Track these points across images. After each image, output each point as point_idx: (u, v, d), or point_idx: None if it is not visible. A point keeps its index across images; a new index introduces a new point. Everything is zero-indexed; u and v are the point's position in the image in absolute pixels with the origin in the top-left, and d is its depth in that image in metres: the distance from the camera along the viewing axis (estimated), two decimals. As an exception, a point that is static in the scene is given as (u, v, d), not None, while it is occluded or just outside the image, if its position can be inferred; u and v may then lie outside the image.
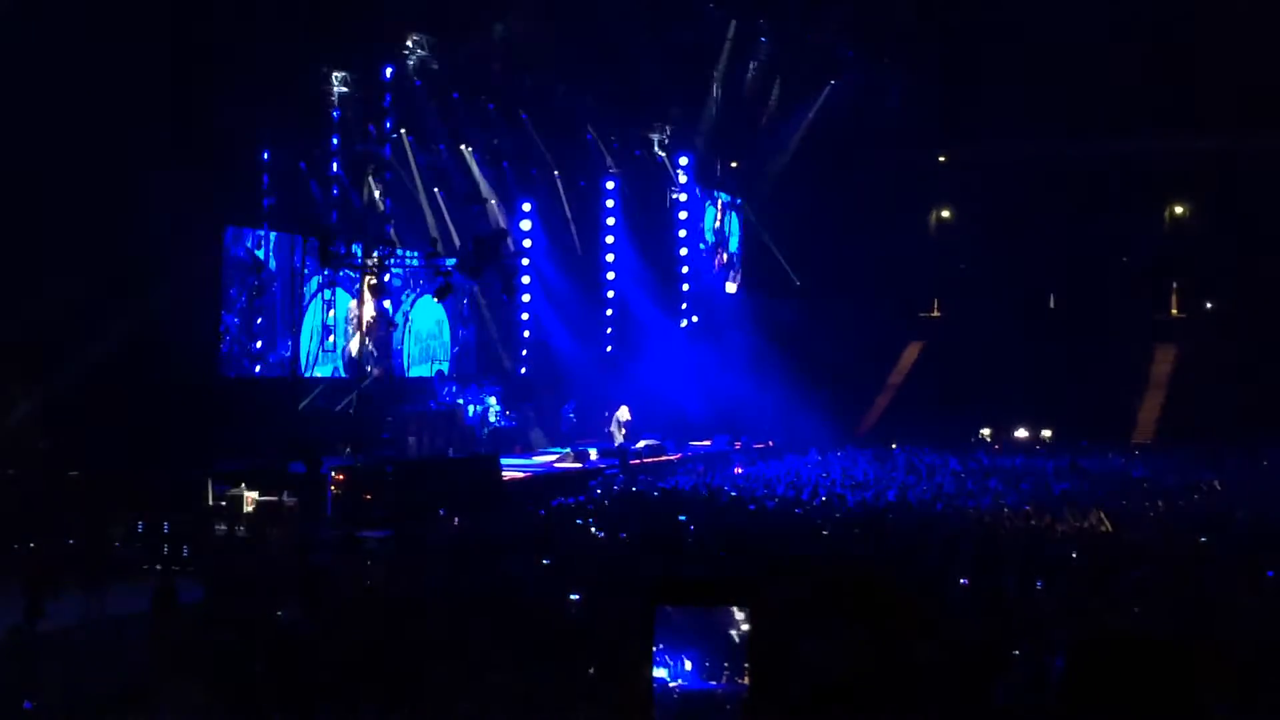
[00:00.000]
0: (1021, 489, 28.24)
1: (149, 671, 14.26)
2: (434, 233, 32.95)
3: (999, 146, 45.89)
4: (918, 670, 11.04)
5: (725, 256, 46.09)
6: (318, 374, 31.82)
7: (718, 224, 45.57)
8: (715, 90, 40.94)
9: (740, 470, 33.07)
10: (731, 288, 46.07)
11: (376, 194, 31.01)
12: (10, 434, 23.57)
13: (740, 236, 46.79)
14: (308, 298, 31.53)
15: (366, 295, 31.34)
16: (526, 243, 37.36)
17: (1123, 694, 2.45)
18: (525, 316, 37.89)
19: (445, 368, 35.76)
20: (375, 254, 29.77)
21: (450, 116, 34.11)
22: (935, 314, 50.00)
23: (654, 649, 2.60)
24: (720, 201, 45.76)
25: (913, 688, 10.07)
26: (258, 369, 30.65)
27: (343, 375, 32.19)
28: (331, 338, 32.26)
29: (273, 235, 30.61)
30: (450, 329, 36.40)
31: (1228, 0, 40.50)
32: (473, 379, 35.01)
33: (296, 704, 10.89)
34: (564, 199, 39.21)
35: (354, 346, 32.46)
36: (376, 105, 30.49)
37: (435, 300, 32.70)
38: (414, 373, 34.88)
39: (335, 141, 30.34)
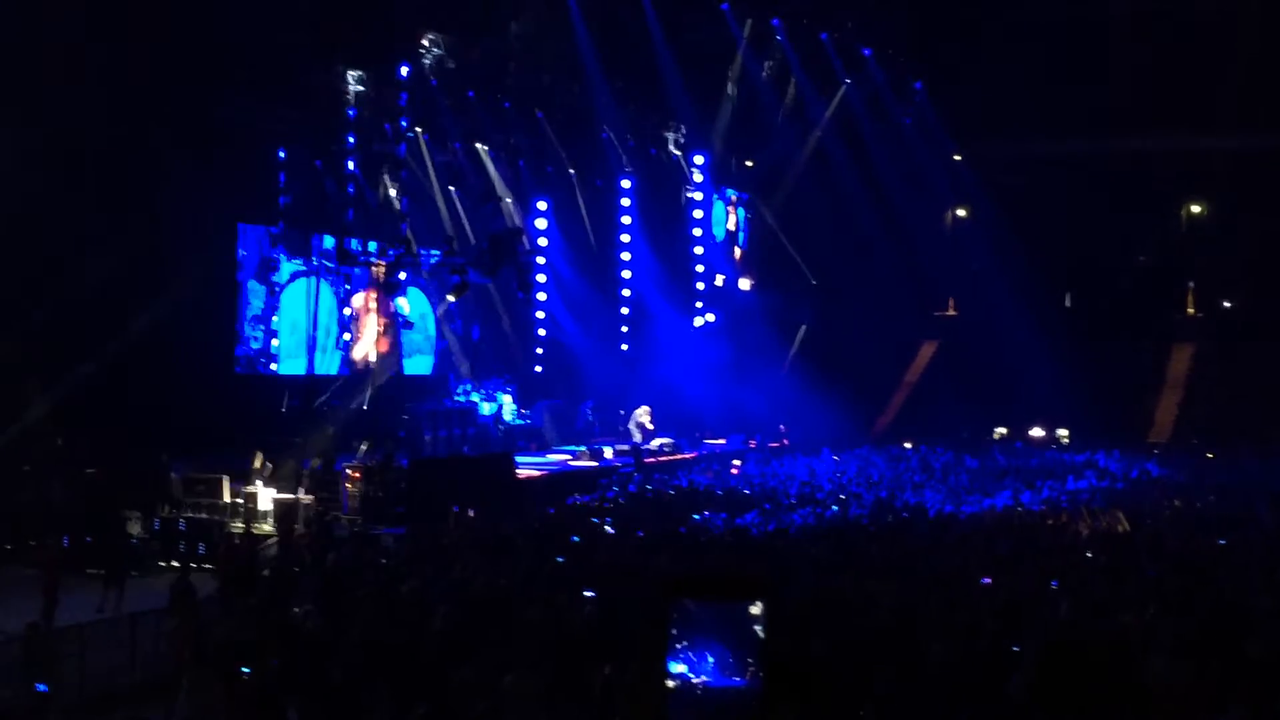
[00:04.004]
0: (1038, 488, 28.15)
1: (166, 666, 14.33)
2: (450, 231, 32.98)
3: (1015, 146, 45.75)
4: (933, 665, 11.02)
5: (740, 255, 46.07)
6: (331, 372, 31.91)
7: (731, 223, 45.54)
8: (731, 89, 40.91)
9: (737, 465, 32.85)
10: (746, 285, 46.02)
11: (392, 192, 31.08)
12: (28, 431, 23.68)
13: (755, 235, 46.75)
14: (318, 295, 31.55)
15: (377, 293, 31.44)
16: (542, 241, 37.36)
17: (1088, 695, 2.44)
18: (540, 315, 37.89)
19: (430, 361, 35.74)
20: (390, 252, 29.83)
21: (466, 115, 34.13)
22: (951, 313, 49.88)
23: (676, 645, 2.60)
24: (734, 200, 45.73)
25: (927, 682, 10.05)
26: (273, 367, 30.74)
27: (347, 374, 32.25)
28: (347, 335, 32.34)
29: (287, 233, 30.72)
30: (435, 323, 36.31)
31: (1247, 2, 40.35)
32: (473, 376, 35.04)
33: (312, 700, 10.91)
34: (579, 197, 39.20)
35: (363, 347, 32.49)
36: (392, 104, 30.52)
37: (451, 299, 32.76)
38: (407, 368, 34.83)
39: (351, 140, 30.39)
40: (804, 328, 45.58)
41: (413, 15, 30.44)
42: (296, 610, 14.24)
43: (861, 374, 42.94)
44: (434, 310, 35.83)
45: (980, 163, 47.29)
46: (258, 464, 24.38)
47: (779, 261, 46.31)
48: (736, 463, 33.38)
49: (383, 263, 30.05)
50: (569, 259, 38.67)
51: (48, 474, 23.30)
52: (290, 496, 23.67)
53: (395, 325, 32.18)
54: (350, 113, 30.21)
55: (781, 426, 39.50)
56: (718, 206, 44.40)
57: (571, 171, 38.77)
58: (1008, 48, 40.14)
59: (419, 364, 35.40)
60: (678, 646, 2.76)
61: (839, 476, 30.55)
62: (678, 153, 41.56)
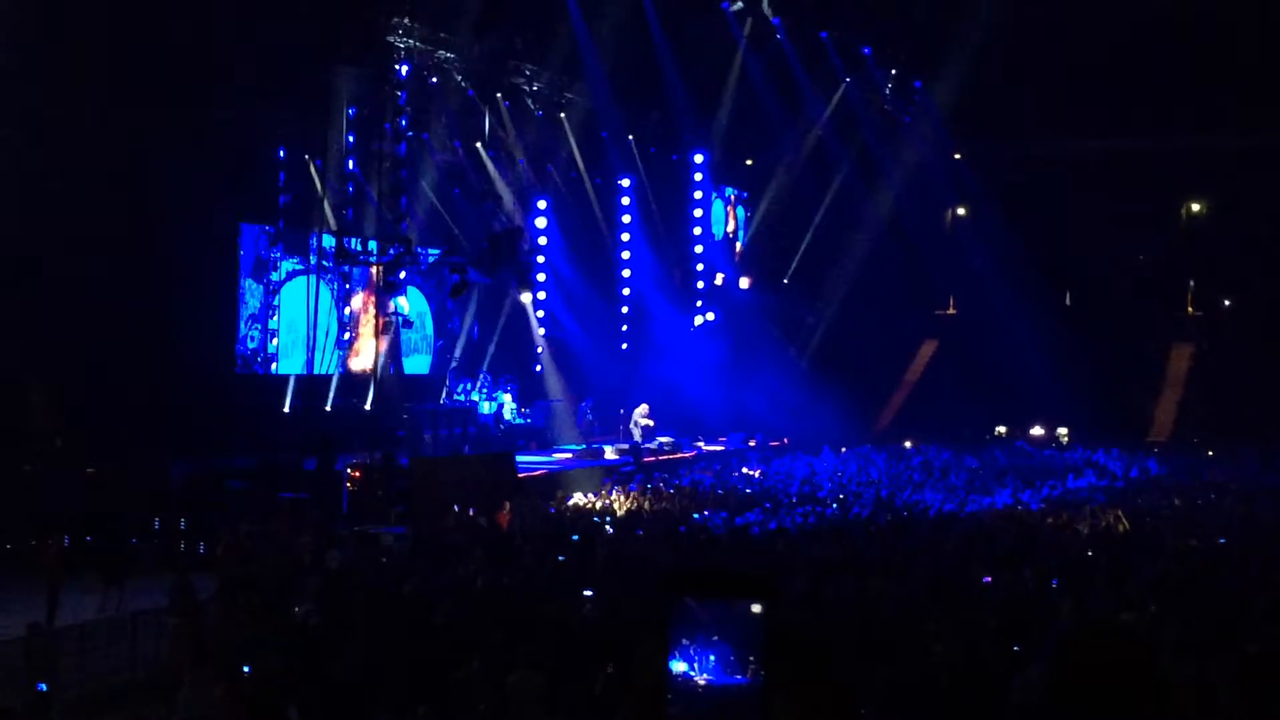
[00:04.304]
0: (1038, 487, 28.16)
1: (166, 665, 14.34)
2: (450, 230, 32.97)
3: (1015, 144, 45.75)
4: (936, 665, 11.02)
5: (739, 253, 46.07)
6: (330, 371, 31.90)
7: (730, 222, 45.55)
8: (730, 88, 40.89)
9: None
10: (745, 284, 46.02)
11: (392, 192, 31.04)
12: (27, 430, 23.67)
13: (755, 234, 46.75)
14: (317, 294, 31.55)
15: (376, 293, 31.41)
16: (542, 240, 37.33)
17: (1108, 690, 2.43)
18: (540, 314, 37.88)
19: (429, 360, 35.73)
20: (390, 251, 29.82)
21: (466, 114, 34.12)
22: (951, 311, 49.88)
23: (678, 643, 2.60)
24: (734, 199, 45.73)
25: (931, 682, 10.05)
26: (272, 366, 30.74)
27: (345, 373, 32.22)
28: (347, 334, 32.33)
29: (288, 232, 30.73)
30: (434, 322, 36.28)
31: (1248, 1, 40.37)
32: (483, 375, 35.04)
33: (313, 700, 10.91)
34: (579, 197, 39.18)
35: (362, 347, 32.44)
36: (392, 103, 30.50)
37: (451, 298, 32.75)
38: (406, 368, 34.82)
39: (351, 139, 30.37)
40: (804, 326, 45.50)
41: (413, 15, 30.42)
42: (297, 610, 14.24)
43: (862, 373, 42.94)
44: (432, 309, 35.83)
45: (980, 161, 47.28)
46: None
47: (779, 261, 46.30)
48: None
49: (382, 262, 30.02)
50: (569, 258, 38.66)
51: (48, 474, 23.30)
52: (290, 496, 23.65)
53: (394, 324, 32.16)
54: (350, 112, 30.20)
55: (785, 439, 39.23)
56: (717, 205, 44.41)
57: (571, 171, 38.75)
58: (1008, 46, 40.12)
59: (418, 363, 35.41)
60: (679, 645, 2.76)
61: (839, 475, 30.56)
62: (677, 152, 41.56)
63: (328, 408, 31.06)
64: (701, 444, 37.32)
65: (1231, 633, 12.05)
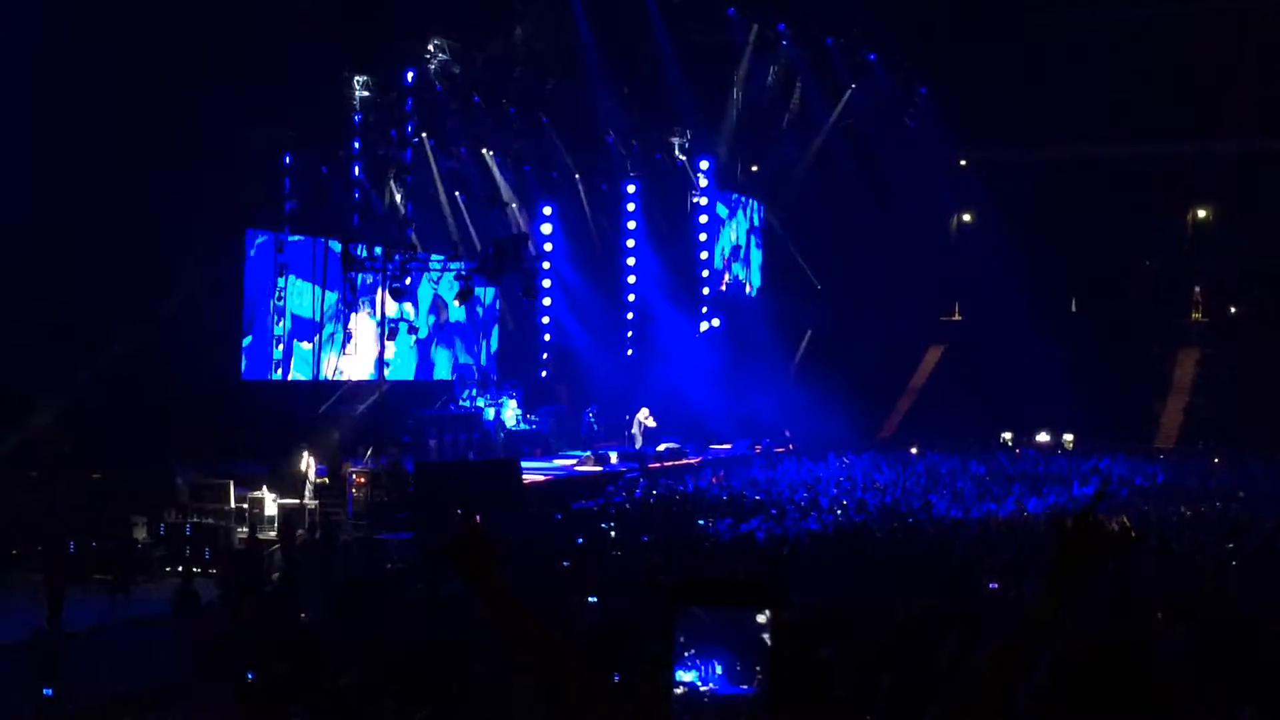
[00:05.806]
0: (1044, 493, 28.11)
1: (171, 671, 14.33)
2: (455, 236, 32.98)
3: (1020, 150, 45.74)
4: (941, 671, 10.99)
5: (746, 259, 46.07)
6: (337, 377, 31.89)
7: (737, 227, 45.55)
8: (736, 94, 40.90)
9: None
10: (751, 290, 46.00)
11: (398, 198, 31.07)
12: (33, 436, 23.69)
13: (761, 240, 46.75)
14: (323, 300, 31.55)
15: (382, 299, 31.39)
16: (547, 246, 37.35)
17: (1106, 702, 2.43)
18: (546, 320, 37.87)
19: (435, 366, 35.73)
20: (396, 257, 29.84)
21: (471, 120, 34.15)
22: (957, 317, 49.83)
23: (684, 652, 2.58)
24: (740, 205, 45.73)
25: (934, 690, 10.02)
26: (279, 372, 30.74)
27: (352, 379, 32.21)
28: (353, 340, 32.32)
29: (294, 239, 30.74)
30: (439, 328, 36.23)
31: (1253, 6, 40.34)
32: (492, 382, 35.05)
33: (318, 705, 10.90)
34: (585, 202, 39.20)
35: (367, 352, 32.42)
36: (398, 109, 30.53)
37: (457, 304, 32.76)
38: (412, 374, 34.78)
39: (357, 145, 30.39)
40: (809, 332, 45.53)
41: (418, 21, 30.45)
42: (303, 615, 14.24)
43: (867, 379, 42.90)
44: (437, 315, 35.85)
45: (986, 167, 47.28)
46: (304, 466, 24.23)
47: (785, 267, 46.31)
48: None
49: (388, 268, 30.05)
50: (574, 264, 38.67)
51: (54, 479, 23.32)
52: (295, 502, 23.67)
53: (400, 330, 32.18)
54: (356, 118, 30.23)
55: (786, 432, 39.44)
56: (722, 211, 44.41)
57: (577, 176, 38.76)
58: (1013, 52, 40.14)
59: (423, 369, 35.42)
60: (684, 654, 2.75)
61: (845, 482, 30.52)
62: (683, 157, 41.59)
63: (333, 413, 31.05)
64: (707, 449, 37.30)
65: (1239, 640, 12.00)
